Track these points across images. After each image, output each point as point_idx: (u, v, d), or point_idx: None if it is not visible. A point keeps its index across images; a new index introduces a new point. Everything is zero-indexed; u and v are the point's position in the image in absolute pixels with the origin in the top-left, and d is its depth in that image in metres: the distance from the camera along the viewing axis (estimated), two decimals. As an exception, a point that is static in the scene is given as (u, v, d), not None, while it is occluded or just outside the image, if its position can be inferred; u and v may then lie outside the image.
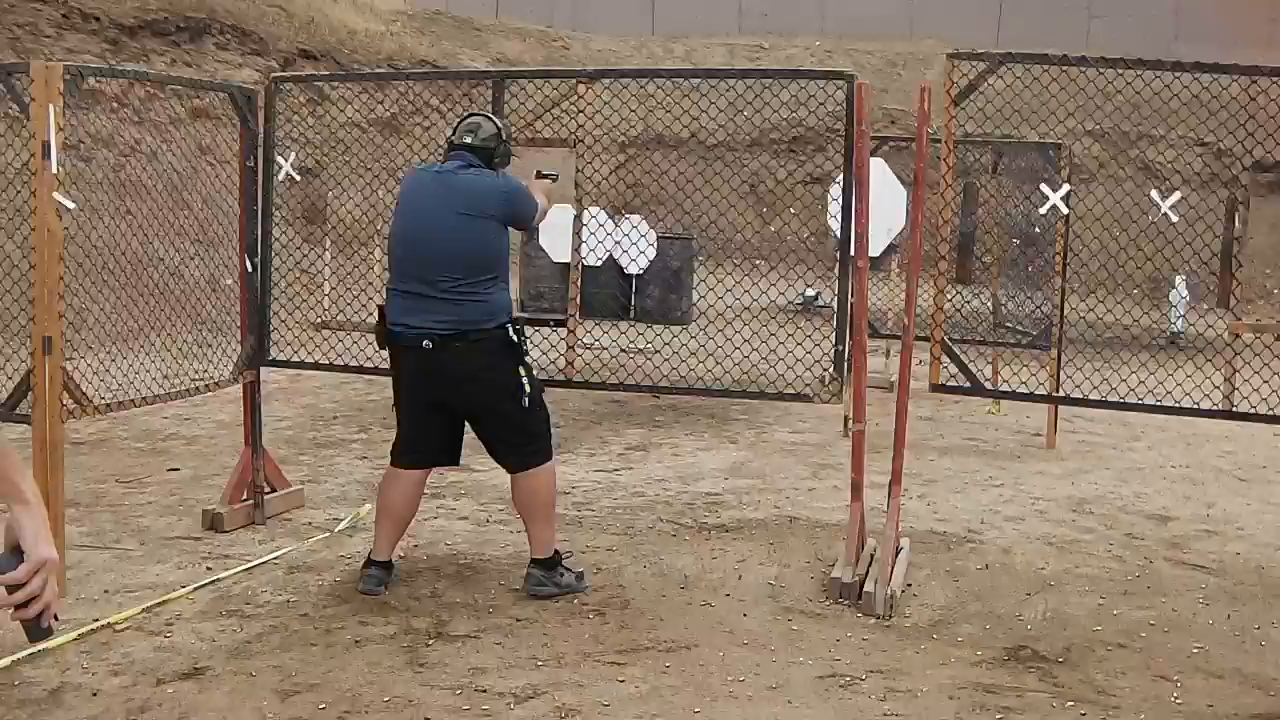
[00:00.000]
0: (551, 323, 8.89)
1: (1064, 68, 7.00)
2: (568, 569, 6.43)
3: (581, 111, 7.26)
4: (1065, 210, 8.42)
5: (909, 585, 6.64)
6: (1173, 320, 18.39)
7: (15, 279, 7.18)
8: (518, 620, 5.95)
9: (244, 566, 6.64)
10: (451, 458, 6.55)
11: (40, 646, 2.70)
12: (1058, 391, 9.89)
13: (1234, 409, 6.95)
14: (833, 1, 31.74)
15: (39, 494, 2.55)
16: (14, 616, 2.50)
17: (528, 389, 6.22)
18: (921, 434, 11.02)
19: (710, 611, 6.16)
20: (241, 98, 7.44)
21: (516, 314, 6.31)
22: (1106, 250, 9.61)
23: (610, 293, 16.79)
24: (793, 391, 6.94)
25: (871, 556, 6.62)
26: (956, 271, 18.02)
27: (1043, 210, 7.39)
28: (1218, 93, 7.04)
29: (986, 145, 13.18)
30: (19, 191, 6.76)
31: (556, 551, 6.42)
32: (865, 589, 6.22)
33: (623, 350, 10.85)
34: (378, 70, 20.75)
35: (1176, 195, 6.54)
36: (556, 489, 6.52)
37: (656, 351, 8.48)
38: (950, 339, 12.22)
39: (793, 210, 18.71)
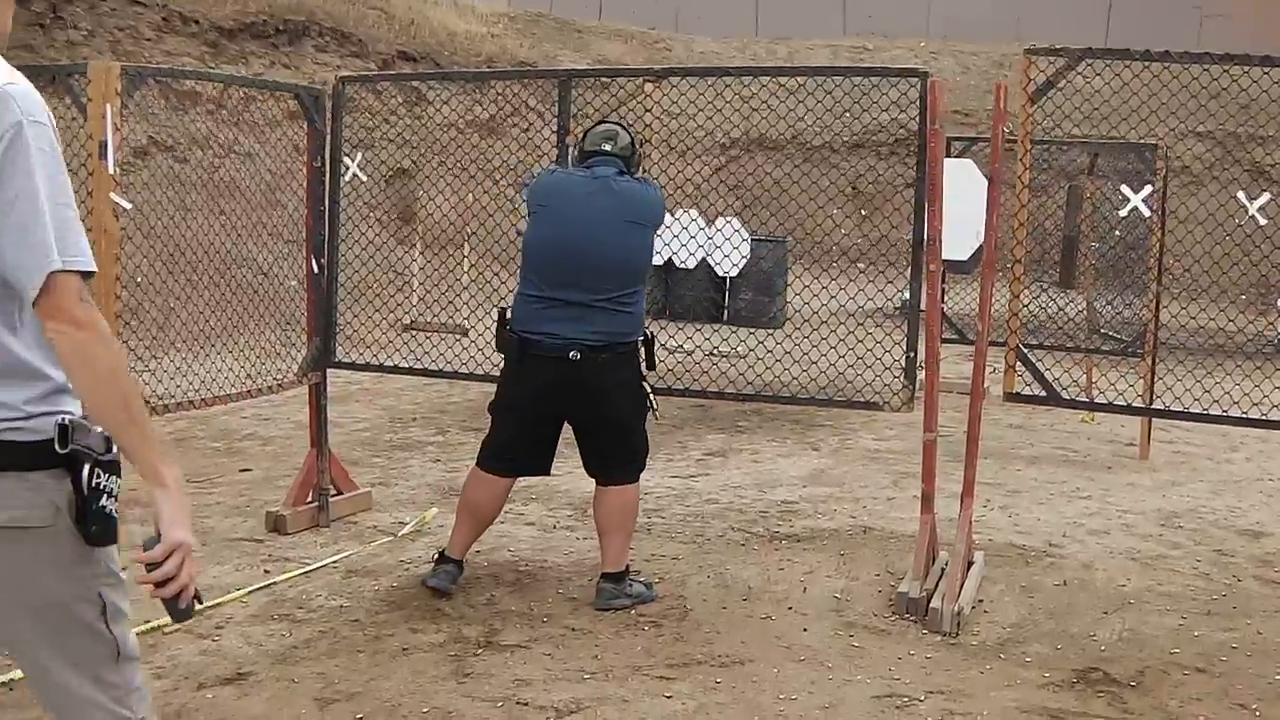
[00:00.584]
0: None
1: (1166, 64, 6.75)
2: (634, 579, 6.30)
3: (649, 110, 7.11)
4: (1147, 212, 8.14)
5: (980, 601, 6.41)
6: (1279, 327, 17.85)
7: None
8: (571, 630, 5.82)
9: (301, 570, 6.57)
10: (544, 468, 6.44)
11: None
12: (1151, 402, 9.62)
13: (1328, 422, 6.64)
14: (938, 3, 31.39)
15: (180, 480, 2.75)
16: (153, 595, 2.75)
17: (653, 404, 6.22)
18: (1010, 442, 10.76)
19: (770, 625, 5.99)
20: (309, 98, 7.37)
21: None
22: (1210, 255, 9.31)
23: (703, 295, 16.68)
24: (862, 399, 6.75)
25: (942, 571, 6.41)
26: (1060, 276, 17.70)
27: (1123, 213, 7.13)
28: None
29: (1078, 145, 12.86)
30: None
31: (628, 565, 6.30)
32: (932, 605, 6.02)
33: (709, 354, 10.71)
34: (452, 70, 20.67)
35: (1265, 197, 6.27)
36: (638, 506, 6.43)
37: (741, 357, 8.29)
38: (1046, 345, 12.06)
39: (895, 211, 18.45)
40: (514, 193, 18.39)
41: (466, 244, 15.06)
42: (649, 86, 7.05)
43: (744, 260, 16.56)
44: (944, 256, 9.29)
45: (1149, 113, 8.04)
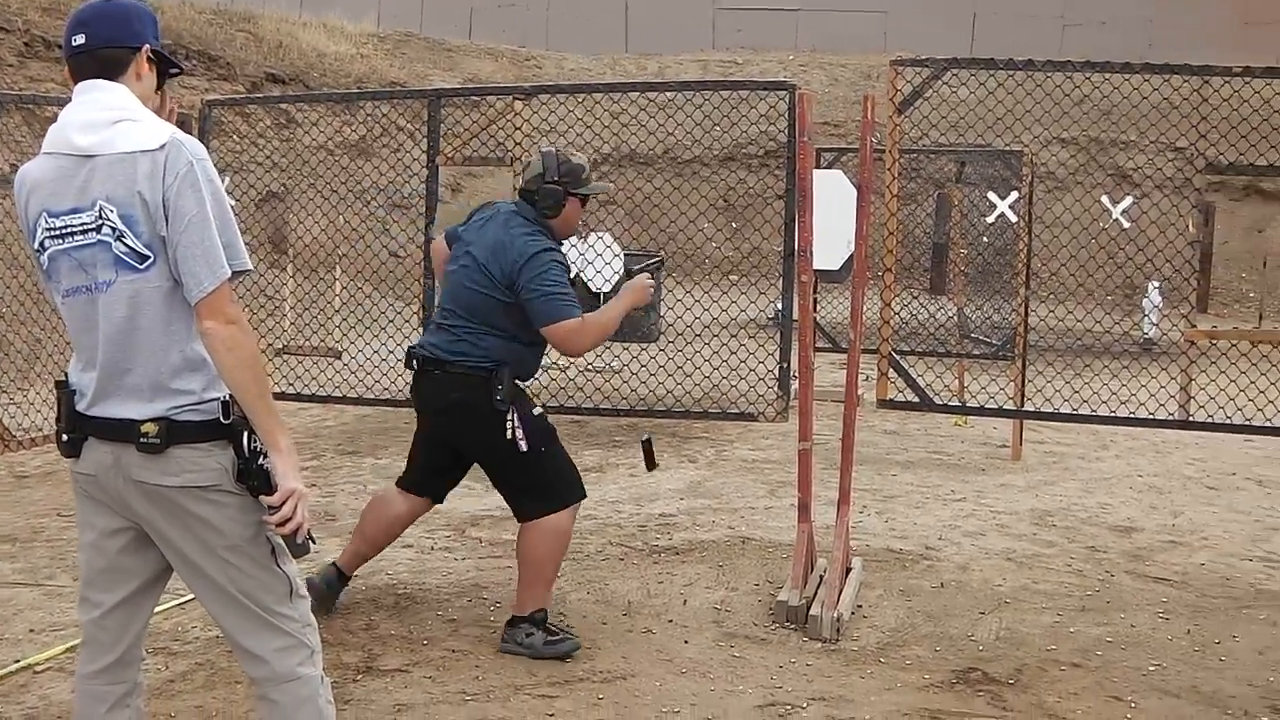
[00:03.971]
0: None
1: (1029, 73, 6.87)
2: (538, 629, 5.80)
3: (518, 129, 7.09)
4: (1014, 218, 8.27)
5: (859, 607, 6.46)
6: (1145, 328, 18.23)
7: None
8: (452, 652, 5.77)
9: (176, 602, 6.44)
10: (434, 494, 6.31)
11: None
12: (1022, 404, 9.76)
13: (1190, 418, 6.78)
14: (806, 16, 31.65)
15: (291, 445, 3.44)
16: (276, 531, 3.49)
17: (518, 438, 5.72)
18: (885, 448, 10.86)
19: (651, 638, 5.98)
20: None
21: None
22: (1076, 259, 9.48)
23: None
24: (737, 410, 6.78)
25: (820, 578, 6.45)
26: (931, 282, 17.94)
27: (990, 219, 7.25)
28: (1188, 94, 6.93)
29: (946, 154, 13.06)
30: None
31: (537, 612, 5.82)
32: (811, 612, 6.05)
33: (584, 369, 10.71)
34: (321, 92, 20.55)
35: (1128, 200, 6.40)
36: (551, 552, 5.85)
37: (616, 372, 8.30)
38: (918, 351, 12.21)
39: (765, 223, 18.57)
40: (384, 214, 18.29)
41: (338, 266, 14.91)
42: (518, 105, 7.02)
43: (618, 273, 16.54)
44: (815, 266, 9.41)
45: (1014, 120, 8.19)
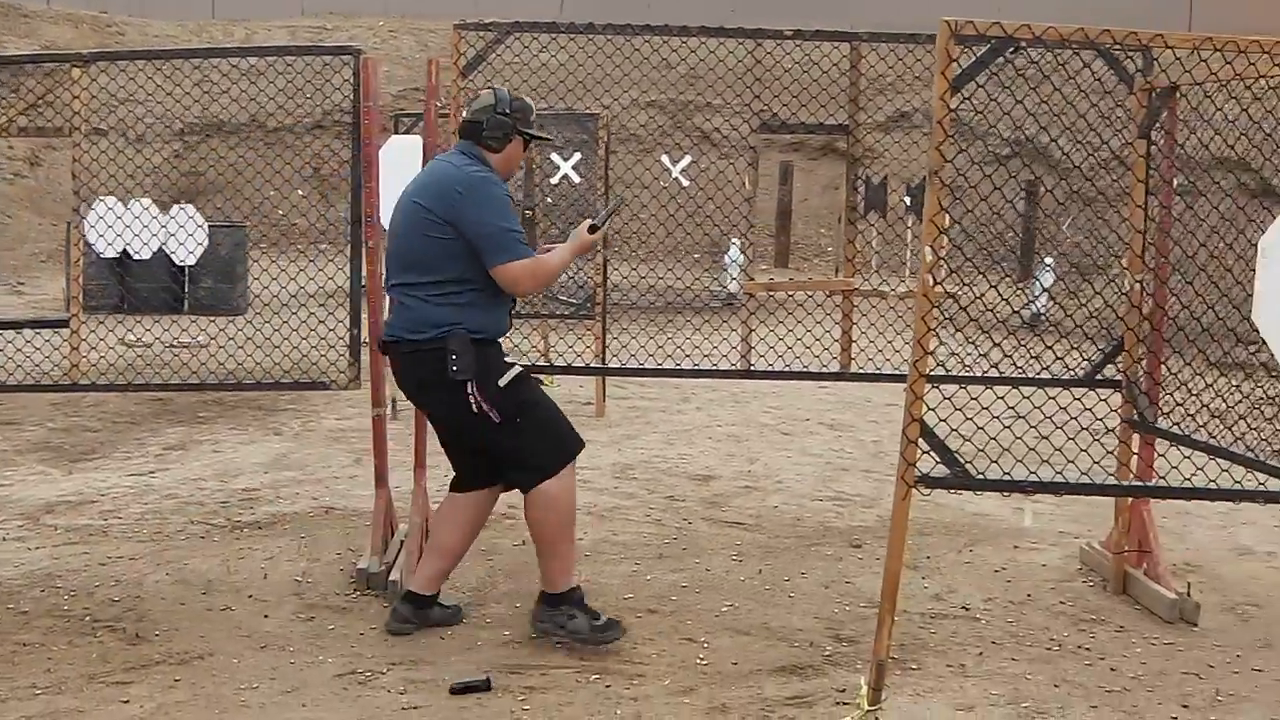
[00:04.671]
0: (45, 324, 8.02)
1: (609, 37, 6.99)
2: (579, 612, 5.62)
3: (76, 98, 6.79)
4: (577, 179, 8.45)
5: (442, 569, 6.52)
6: (725, 283, 18.94)
7: None
8: (23, 645, 5.51)
9: None
10: (478, 477, 5.81)
11: None
12: (605, 361, 9.99)
13: (751, 368, 7.09)
14: (397, -19, 31.40)
15: None
16: None
17: (485, 410, 5.42)
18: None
19: (230, 616, 5.88)
20: None
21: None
22: (656, 218, 9.73)
23: (161, 285, 16.16)
24: (309, 379, 6.72)
25: (401, 544, 6.47)
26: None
27: (554, 180, 7.40)
28: (762, 58, 7.20)
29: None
30: None
31: (575, 589, 5.68)
32: (391, 578, 6.07)
33: (169, 345, 10.40)
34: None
35: (686, 160, 6.64)
36: (563, 516, 5.65)
37: (203, 346, 8.08)
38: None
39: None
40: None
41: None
42: (76, 72, 6.73)
43: (200, 248, 16.12)
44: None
45: (595, 84, 8.34)
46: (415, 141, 11.24)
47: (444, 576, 5.84)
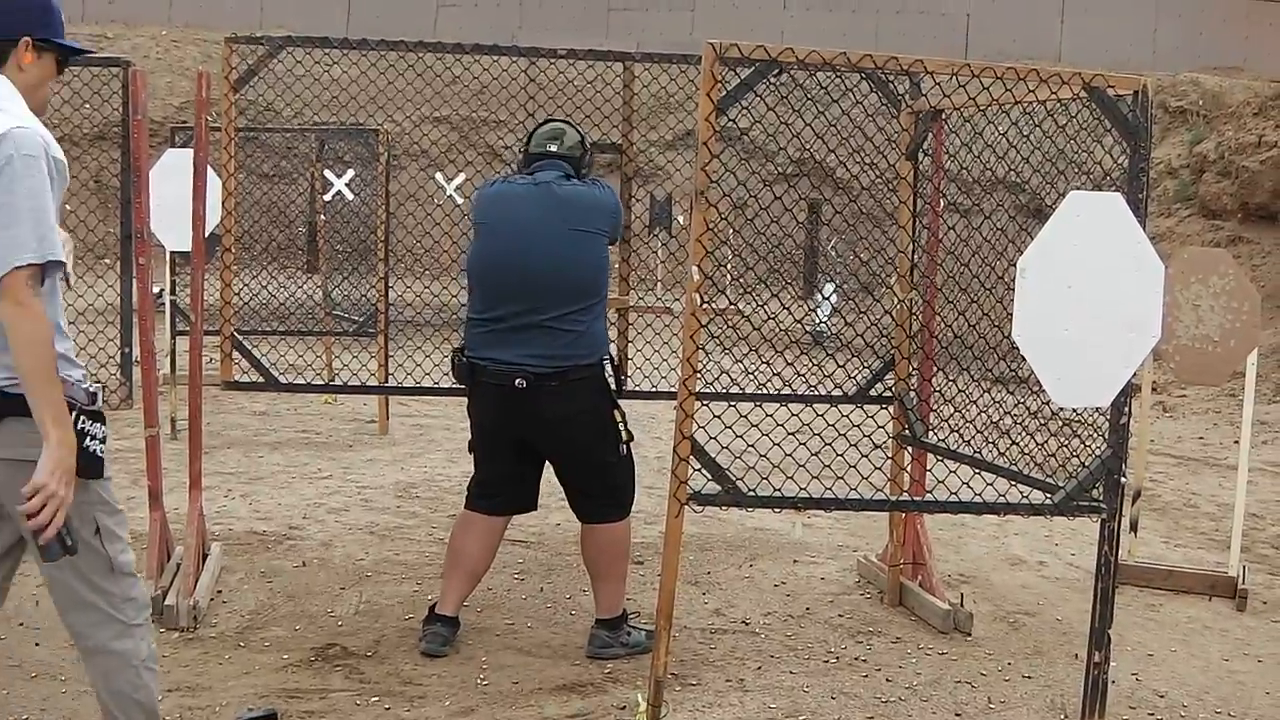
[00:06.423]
0: None
1: (397, 52, 6.92)
2: (635, 626, 5.89)
3: None
4: (350, 196, 8.38)
5: (219, 592, 6.38)
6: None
7: None
8: None
9: None
10: (530, 504, 5.99)
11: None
12: (386, 379, 9.92)
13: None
14: (181, -9, 30.69)
15: (65, 438, 3.40)
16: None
17: (624, 436, 5.66)
18: (254, 430, 10.75)
19: (1, 645, 5.68)
20: None
21: None
22: (431, 235, 9.65)
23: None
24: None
25: (178, 566, 6.32)
26: (308, 262, 17.89)
27: (328, 196, 7.32)
28: (536, 76, 7.21)
29: (299, 132, 13.03)
30: None
31: (624, 610, 5.87)
32: (167, 602, 5.92)
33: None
34: None
35: (461, 177, 6.61)
36: (630, 545, 5.92)
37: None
38: (288, 331, 12.13)
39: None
40: None
41: None
42: None
43: None
44: (173, 247, 9.18)
45: (387, 100, 8.26)
46: (188, 155, 11.05)
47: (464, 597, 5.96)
